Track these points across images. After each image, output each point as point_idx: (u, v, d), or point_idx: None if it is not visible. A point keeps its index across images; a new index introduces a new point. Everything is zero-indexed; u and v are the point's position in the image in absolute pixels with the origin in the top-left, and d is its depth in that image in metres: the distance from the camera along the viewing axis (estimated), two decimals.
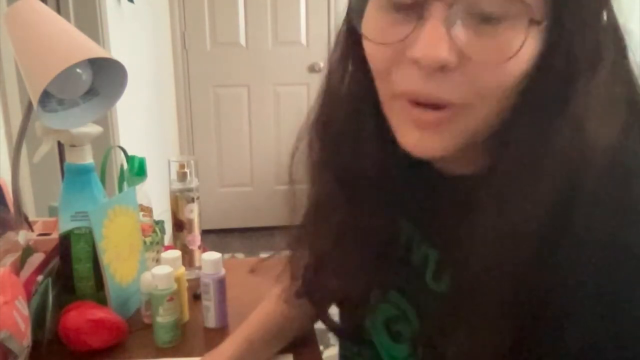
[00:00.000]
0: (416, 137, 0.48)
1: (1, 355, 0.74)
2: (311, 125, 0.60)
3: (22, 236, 1.02)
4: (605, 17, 0.46)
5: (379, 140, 0.54)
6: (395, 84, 0.47)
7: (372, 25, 0.48)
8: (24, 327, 0.79)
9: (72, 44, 0.91)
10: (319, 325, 0.92)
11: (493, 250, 0.46)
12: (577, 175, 0.44)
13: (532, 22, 0.41)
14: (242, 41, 3.47)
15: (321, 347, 0.93)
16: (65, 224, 0.97)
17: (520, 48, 0.41)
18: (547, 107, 0.44)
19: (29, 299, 0.86)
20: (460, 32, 0.42)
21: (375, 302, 0.65)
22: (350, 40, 0.54)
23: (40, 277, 0.91)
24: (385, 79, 0.48)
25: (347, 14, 0.54)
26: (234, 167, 3.65)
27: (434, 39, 0.42)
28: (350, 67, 0.55)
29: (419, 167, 0.54)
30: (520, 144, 0.45)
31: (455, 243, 0.49)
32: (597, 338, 0.44)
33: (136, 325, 0.98)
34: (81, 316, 0.90)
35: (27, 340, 0.80)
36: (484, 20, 0.42)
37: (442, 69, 0.43)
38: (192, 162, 1.12)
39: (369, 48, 0.49)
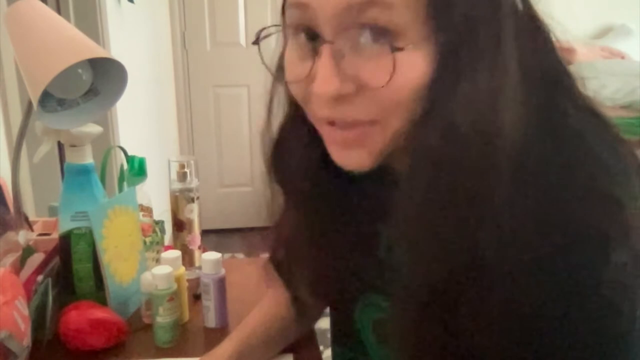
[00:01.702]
0: (343, 155, 0.53)
1: (1, 355, 0.74)
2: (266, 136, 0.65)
3: (22, 236, 1.02)
4: (508, 9, 0.48)
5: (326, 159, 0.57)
6: (313, 112, 0.53)
7: (286, 64, 0.55)
8: (24, 327, 0.79)
9: (72, 44, 0.91)
10: (319, 325, 0.92)
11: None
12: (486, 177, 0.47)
13: (397, 49, 0.46)
14: (242, 41, 3.47)
15: (321, 347, 0.93)
16: (65, 224, 0.97)
17: (393, 72, 0.46)
18: (447, 109, 0.47)
19: (29, 299, 0.86)
20: (349, 63, 0.48)
21: (362, 306, 0.66)
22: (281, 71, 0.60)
23: (40, 277, 0.91)
24: (307, 107, 0.54)
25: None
26: (234, 167, 3.65)
27: (326, 75, 0.48)
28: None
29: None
30: (424, 144, 0.48)
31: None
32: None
33: (136, 325, 0.98)
34: (81, 316, 0.90)
35: (27, 340, 0.80)
36: (361, 50, 0.47)
37: (343, 97, 0.48)
38: (192, 162, 1.12)
39: (287, 84, 0.57)
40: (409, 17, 0.46)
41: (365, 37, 0.47)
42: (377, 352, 0.66)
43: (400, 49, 0.46)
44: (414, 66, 0.47)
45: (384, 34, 0.46)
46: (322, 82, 0.48)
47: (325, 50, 0.48)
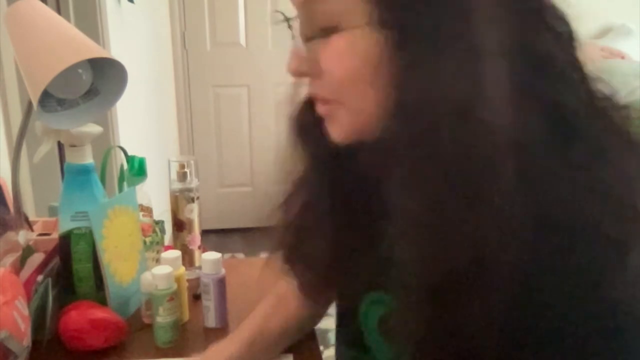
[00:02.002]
0: (326, 127, 0.59)
1: (1, 355, 0.74)
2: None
3: (22, 236, 1.02)
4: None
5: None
6: None
7: None
8: (24, 327, 0.79)
9: (72, 44, 0.91)
10: (319, 325, 0.92)
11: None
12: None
13: (341, 35, 0.52)
14: (242, 41, 3.47)
15: (321, 347, 0.93)
16: (65, 224, 0.97)
17: (338, 56, 0.53)
18: (409, 90, 0.50)
19: (29, 299, 0.86)
20: (308, 48, 0.55)
21: (367, 302, 0.66)
22: None
23: (40, 277, 0.91)
24: None
25: None
26: (234, 167, 3.65)
27: (290, 56, 0.57)
28: None
29: None
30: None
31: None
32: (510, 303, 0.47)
33: (136, 325, 0.98)
34: (81, 316, 0.90)
35: (27, 340, 0.80)
36: (319, 36, 0.54)
37: (305, 75, 0.57)
38: (192, 162, 1.12)
39: None
40: (346, 5, 0.51)
41: (316, 26, 0.54)
42: (381, 350, 0.66)
43: (343, 34, 0.52)
44: (358, 49, 0.52)
45: (331, 23, 0.53)
46: (288, 62, 0.57)
47: (295, 37, 0.56)
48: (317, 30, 0.54)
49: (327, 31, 0.53)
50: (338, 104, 0.56)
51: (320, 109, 0.59)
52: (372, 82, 0.52)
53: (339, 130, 0.58)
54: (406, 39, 0.49)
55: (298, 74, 0.58)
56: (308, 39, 0.55)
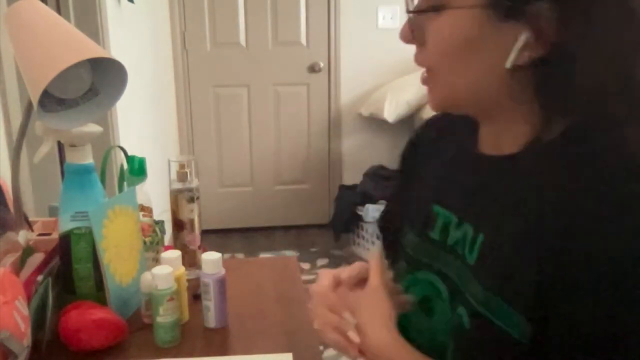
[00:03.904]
0: (427, 94, 0.66)
1: (1, 355, 0.74)
2: None
3: (22, 236, 1.02)
4: None
5: None
6: None
7: None
8: (24, 327, 0.79)
9: (72, 44, 0.91)
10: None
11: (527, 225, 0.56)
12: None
13: (438, 13, 0.59)
14: (242, 41, 3.47)
15: (321, 347, 0.93)
16: (65, 224, 0.97)
17: (433, 31, 0.60)
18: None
19: (29, 299, 0.86)
20: (416, 22, 0.62)
21: (412, 279, 0.71)
22: None
23: (40, 277, 0.91)
24: None
25: None
26: (234, 167, 3.65)
27: (402, 26, 0.64)
28: None
29: (466, 156, 0.69)
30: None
31: (491, 215, 0.61)
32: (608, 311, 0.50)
33: (136, 325, 0.98)
34: (81, 316, 0.90)
35: (27, 340, 0.80)
36: (430, 11, 0.60)
37: (412, 43, 0.63)
38: (192, 162, 1.12)
39: None
40: None
41: (429, 1, 0.60)
42: (417, 324, 0.69)
43: (449, 12, 0.58)
44: (461, 28, 0.58)
45: (441, 1, 0.58)
46: (401, 29, 0.64)
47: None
48: (429, 5, 0.60)
49: (437, 8, 0.59)
50: (435, 73, 0.63)
51: (422, 76, 0.65)
52: (466, 60, 0.59)
53: (432, 97, 0.65)
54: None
55: (406, 40, 0.64)
56: (420, 11, 0.61)
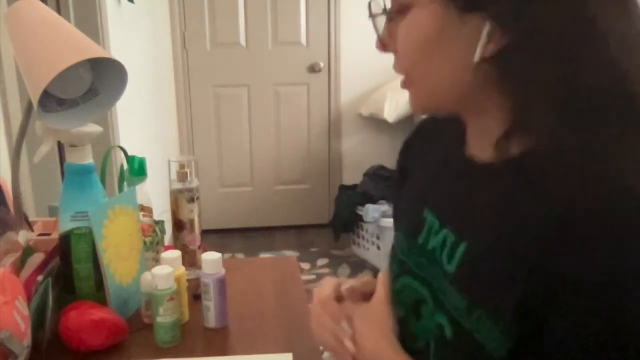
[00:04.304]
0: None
1: (1, 355, 0.74)
2: None
3: (22, 236, 1.02)
4: None
5: None
6: None
7: None
8: (24, 327, 0.79)
9: (72, 44, 0.91)
10: None
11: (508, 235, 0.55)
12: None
13: (403, 14, 0.59)
14: (242, 41, 3.47)
15: (321, 347, 0.93)
16: (65, 224, 0.97)
17: (401, 32, 0.60)
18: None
19: (29, 299, 0.86)
20: (388, 27, 0.62)
21: (399, 286, 0.70)
22: None
23: (40, 277, 0.91)
24: None
25: None
26: (234, 167, 3.65)
27: (376, 39, 0.64)
28: None
29: (454, 158, 0.67)
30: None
31: (473, 223, 0.60)
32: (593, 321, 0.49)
33: (136, 325, 0.98)
34: (81, 316, 0.90)
35: (27, 340, 0.80)
36: (398, 16, 0.60)
37: (388, 51, 0.63)
38: (192, 162, 1.12)
39: None
40: None
41: (395, 6, 0.60)
42: (410, 326, 0.68)
43: (413, 11, 0.58)
44: (424, 24, 0.57)
45: (405, 1, 0.58)
46: (376, 40, 0.64)
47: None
48: (396, 9, 0.59)
49: (404, 10, 0.59)
50: (411, 76, 0.62)
51: (402, 81, 0.64)
52: (436, 57, 0.58)
53: (412, 99, 0.64)
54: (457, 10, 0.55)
55: (382, 49, 0.64)
56: (391, 18, 0.61)
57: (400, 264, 0.71)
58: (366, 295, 0.69)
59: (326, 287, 0.72)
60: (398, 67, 0.63)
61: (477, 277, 0.57)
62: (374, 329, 0.66)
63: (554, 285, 0.50)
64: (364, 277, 0.74)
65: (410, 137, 0.81)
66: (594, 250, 0.49)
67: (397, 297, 0.69)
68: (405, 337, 0.66)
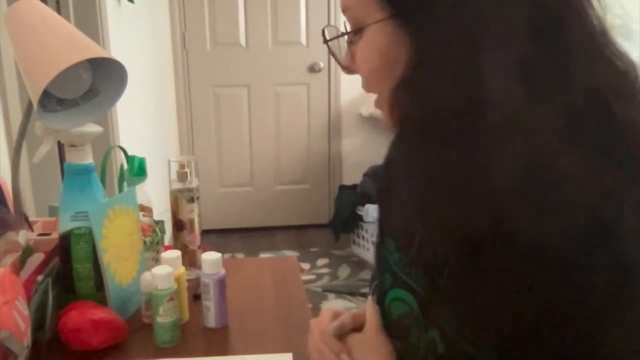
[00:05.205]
0: None
1: (1, 355, 0.74)
2: None
3: (22, 236, 1.02)
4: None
5: None
6: None
7: None
8: (24, 327, 0.79)
9: (72, 44, 0.91)
10: None
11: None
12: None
13: (359, 35, 0.59)
14: (242, 41, 3.47)
15: None
16: (65, 224, 0.97)
17: (357, 53, 0.60)
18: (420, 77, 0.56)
19: (29, 299, 0.86)
20: (351, 49, 0.62)
21: (391, 299, 0.69)
22: None
23: (40, 277, 0.92)
24: None
25: None
26: (234, 167, 3.65)
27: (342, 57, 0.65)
28: None
29: None
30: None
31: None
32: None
33: (136, 325, 0.98)
34: (81, 316, 0.90)
35: (27, 340, 0.80)
36: (357, 39, 0.61)
37: (353, 74, 0.63)
38: (192, 162, 1.12)
39: None
40: (364, 6, 0.57)
41: (352, 30, 0.60)
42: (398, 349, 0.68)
43: (366, 33, 0.58)
44: (376, 45, 0.58)
45: (359, 25, 0.59)
46: (341, 66, 0.65)
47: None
48: (353, 32, 0.60)
49: (358, 32, 0.59)
50: (379, 95, 0.62)
51: (375, 102, 0.65)
52: (392, 74, 0.57)
53: (384, 117, 0.64)
54: (414, 28, 0.54)
55: (348, 72, 0.64)
56: (351, 42, 0.62)
57: (393, 274, 0.70)
58: (357, 330, 0.70)
59: (324, 318, 0.73)
60: (365, 87, 0.63)
61: (469, 292, 0.56)
62: (375, 355, 0.66)
63: (552, 297, 0.50)
64: (356, 312, 0.74)
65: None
66: (593, 265, 0.48)
67: (389, 313, 0.69)
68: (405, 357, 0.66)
